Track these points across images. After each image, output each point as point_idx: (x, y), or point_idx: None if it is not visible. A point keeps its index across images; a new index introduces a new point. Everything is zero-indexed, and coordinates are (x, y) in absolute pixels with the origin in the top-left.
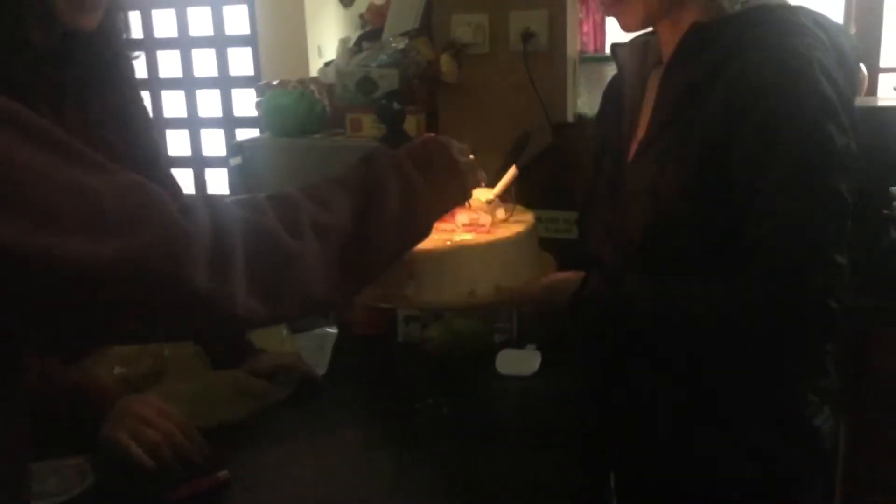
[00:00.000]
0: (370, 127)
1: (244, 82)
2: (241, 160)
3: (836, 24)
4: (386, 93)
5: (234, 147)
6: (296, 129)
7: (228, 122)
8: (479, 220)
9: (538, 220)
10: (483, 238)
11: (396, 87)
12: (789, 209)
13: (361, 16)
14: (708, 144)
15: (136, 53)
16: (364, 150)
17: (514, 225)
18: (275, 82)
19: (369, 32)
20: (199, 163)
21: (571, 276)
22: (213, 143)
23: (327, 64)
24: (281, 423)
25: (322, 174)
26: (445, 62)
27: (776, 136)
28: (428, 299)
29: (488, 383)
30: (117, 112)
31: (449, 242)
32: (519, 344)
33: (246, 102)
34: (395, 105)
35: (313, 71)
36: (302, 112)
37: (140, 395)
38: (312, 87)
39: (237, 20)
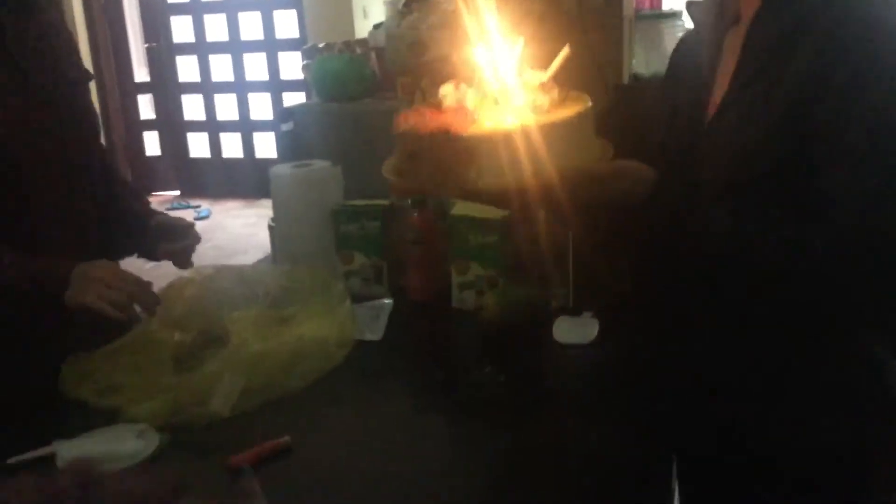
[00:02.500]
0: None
1: (290, 45)
2: (292, 125)
3: None
4: (441, 56)
5: (284, 112)
6: (345, 94)
7: (275, 85)
8: (536, 100)
9: None
10: (544, 119)
11: (447, 50)
12: (867, 172)
13: None
14: (793, 101)
15: None
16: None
17: (571, 106)
18: (321, 45)
19: None
20: (246, 126)
21: (642, 167)
22: (261, 106)
23: (377, 27)
24: (338, 389)
25: (371, 139)
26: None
27: (861, 94)
28: (490, 183)
29: (545, 352)
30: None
31: (508, 124)
32: (575, 311)
33: (292, 65)
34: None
35: (359, 32)
36: (351, 77)
37: (94, 262)
38: (359, 49)
39: None
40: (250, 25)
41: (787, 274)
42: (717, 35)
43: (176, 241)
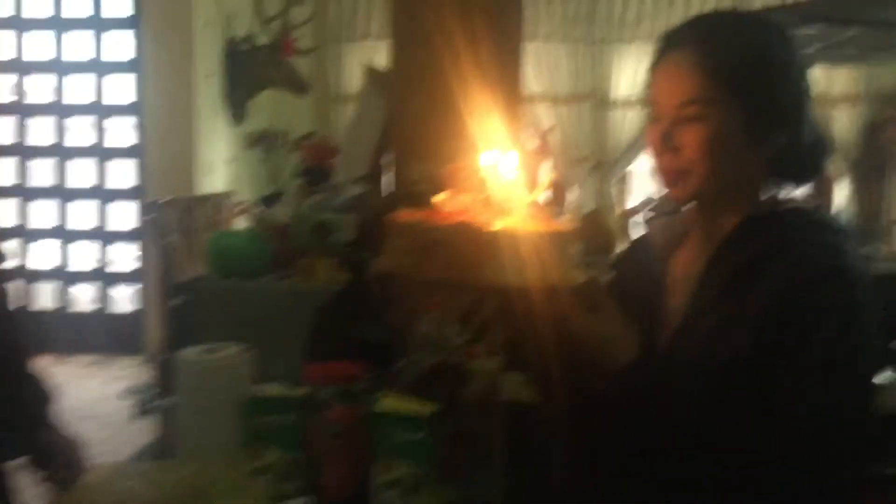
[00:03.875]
0: (324, 271)
1: (124, 195)
2: (183, 301)
3: (848, 228)
4: (348, 240)
5: (177, 287)
6: (244, 271)
7: (103, 234)
8: (545, 211)
9: None
10: (560, 225)
11: (354, 233)
12: (821, 393)
13: (250, 135)
14: (757, 327)
15: None
16: (317, 294)
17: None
18: (163, 200)
19: (311, 171)
20: (65, 277)
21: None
22: (82, 254)
23: (268, 199)
24: None
25: (275, 318)
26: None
27: (818, 327)
28: (510, 280)
29: None
30: None
31: (528, 225)
32: None
33: (124, 215)
34: (362, 254)
35: (203, 188)
36: (252, 254)
37: None
38: (204, 205)
39: (123, 130)
40: (80, 172)
41: (746, 474)
42: (666, 254)
43: (58, 466)
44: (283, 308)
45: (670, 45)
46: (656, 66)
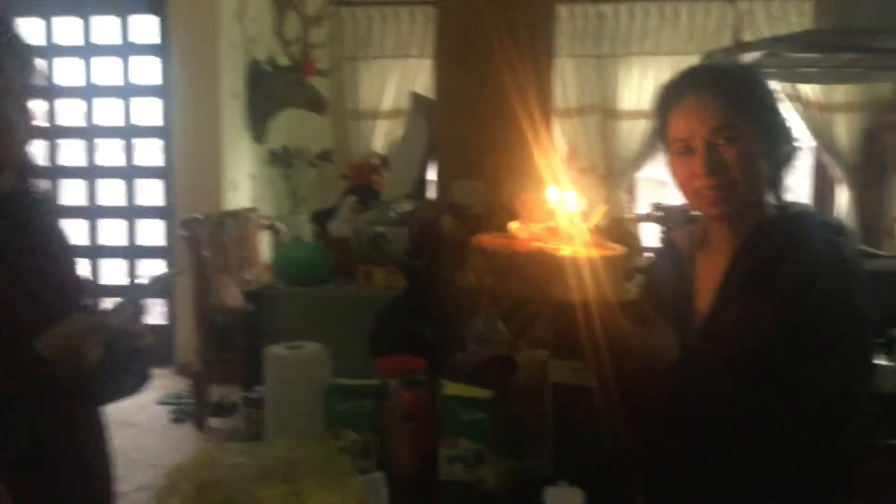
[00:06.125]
0: (380, 278)
1: (153, 213)
2: (255, 307)
3: (847, 226)
4: (402, 250)
5: (250, 294)
6: (310, 279)
7: (131, 251)
8: (599, 238)
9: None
10: (613, 252)
11: (406, 244)
12: (833, 364)
13: (273, 152)
14: (780, 312)
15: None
16: (375, 298)
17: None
18: (199, 216)
19: (360, 189)
20: (97, 291)
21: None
22: (114, 272)
23: (320, 216)
24: None
25: (333, 320)
26: (447, 221)
27: (831, 307)
28: (576, 297)
29: None
30: (49, 271)
31: (588, 251)
32: (553, 480)
33: (153, 231)
34: (416, 263)
35: (228, 203)
36: (317, 264)
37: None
38: (229, 222)
39: (150, 152)
40: (110, 191)
41: (773, 437)
42: (691, 257)
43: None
44: (345, 311)
45: (686, 90)
46: (676, 109)
